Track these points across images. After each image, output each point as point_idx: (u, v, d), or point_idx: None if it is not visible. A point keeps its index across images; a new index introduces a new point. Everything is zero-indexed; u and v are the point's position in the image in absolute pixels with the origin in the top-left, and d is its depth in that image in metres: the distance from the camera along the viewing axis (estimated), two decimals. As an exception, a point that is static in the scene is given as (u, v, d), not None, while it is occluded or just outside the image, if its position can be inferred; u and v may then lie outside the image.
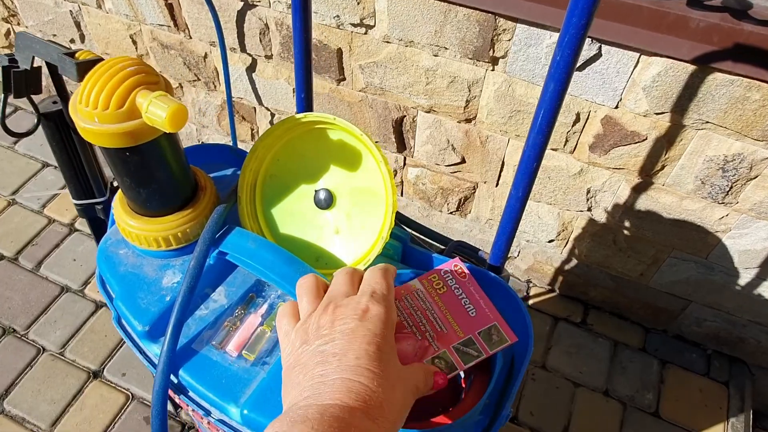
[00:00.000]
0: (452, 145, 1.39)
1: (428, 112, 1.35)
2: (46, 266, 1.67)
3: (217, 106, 1.70)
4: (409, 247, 0.68)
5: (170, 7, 1.48)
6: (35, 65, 0.69)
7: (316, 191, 0.68)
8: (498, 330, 0.56)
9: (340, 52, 1.34)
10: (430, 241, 0.77)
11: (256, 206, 0.69)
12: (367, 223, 0.66)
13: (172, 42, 1.58)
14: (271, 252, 0.62)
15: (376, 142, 1.50)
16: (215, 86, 1.65)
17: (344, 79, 1.40)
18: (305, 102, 0.74)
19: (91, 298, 1.60)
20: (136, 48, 1.67)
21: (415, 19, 1.18)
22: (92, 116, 0.53)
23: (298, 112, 0.73)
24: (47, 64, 0.63)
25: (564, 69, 0.54)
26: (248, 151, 0.68)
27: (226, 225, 0.65)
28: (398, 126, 1.43)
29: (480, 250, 0.74)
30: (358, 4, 1.21)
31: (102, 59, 0.56)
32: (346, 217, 0.67)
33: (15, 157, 1.94)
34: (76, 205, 1.06)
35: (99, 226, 1.12)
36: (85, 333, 1.54)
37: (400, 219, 0.80)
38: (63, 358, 1.49)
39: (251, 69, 1.52)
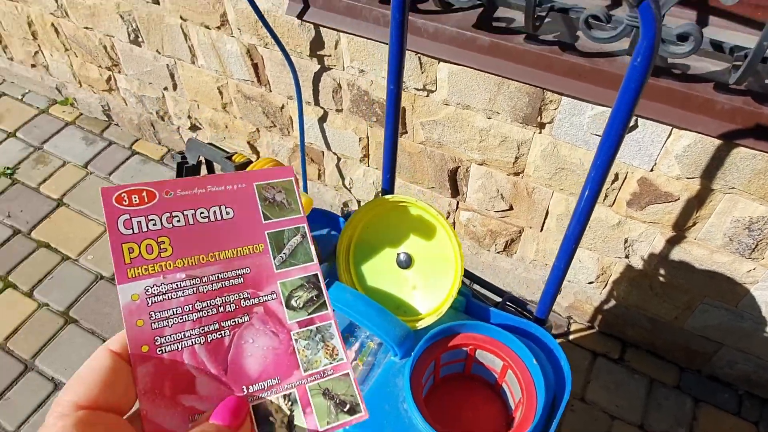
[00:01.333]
0: (501, 194, 1.55)
1: (481, 164, 1.51)
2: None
3: (289, 148, 1.91)
4: (472, 301, 0.85)
5: (255, 66, 1.70)
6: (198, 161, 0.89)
7: (398, 254, 0.85)
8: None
9: (404, 110, 1.53)
10: (486, 292, 0.93)
11: (350, 264, 0.87)
12: (439, 282, 0.83)
13: (254, 94, 1.80)
14: (363, 303, 0.79)
15: (432, 188, 1.68)
16: (289, 132, 1.86)
17: (406, 132, 1.58)
18: (390, 182, 0.92)
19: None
20: (222, 97, 1.90)
21: (472, 88, 1.35)
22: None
23: (383, 188, 0.91)
24: (206, 161, 0.83)
25: (613, 143, 0.69)
26: (335, 212, 0.86)
27: (327, 278, 0.83)
28: (453, 175, 1.60)
29: (528, 304, 0.90)
30: (422, 73, 1.40)
31: (251, 162, 0.75)
32: (422, 276, 0.84)
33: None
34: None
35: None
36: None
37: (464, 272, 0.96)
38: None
39: (322, 119, 1.72)
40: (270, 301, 0.40)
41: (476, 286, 0.96)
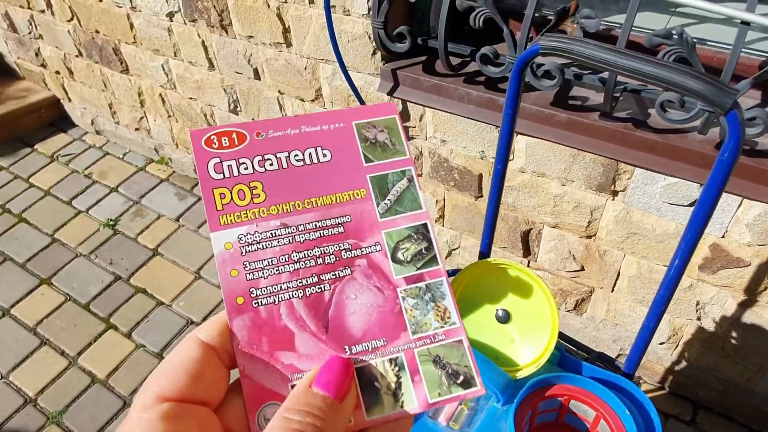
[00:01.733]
0: (573, 255, 1.64)
1: (553, 227, 1.62)
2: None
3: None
4: (565, 355, 0.94)
5: (343, 135, 1.89)
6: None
7: (497, 310, 0.96)
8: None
9: (480, 176, 1.66)
10: (575, 349, 1.02)
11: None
12: (536, 337, 0.93)
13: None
14: (470, 353, 0.90)
15: (504, 247, 1.78)
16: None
17: (482, 196, 1.71)
18: (488, 246, 1.05)
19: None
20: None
21: (548, 158, 1.48)
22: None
23: (482, 251, 1.03)
24: None
25: (701, 221, 0.78)
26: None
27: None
28: (525, 236, 1.71)
29: (615, 360, 0.98)
30: (501, 144, 1.54)
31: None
32: (519, 331, 0.95)
33: (200, 239, 2.42)
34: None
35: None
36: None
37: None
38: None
39: (402, 183, 1.88)
40: (374, 253, 0.36)
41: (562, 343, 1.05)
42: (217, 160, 0.36)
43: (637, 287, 1.57)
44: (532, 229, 1.68)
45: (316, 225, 0.36)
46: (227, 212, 0.36)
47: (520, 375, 0.92)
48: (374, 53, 1.60)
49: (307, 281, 0.35)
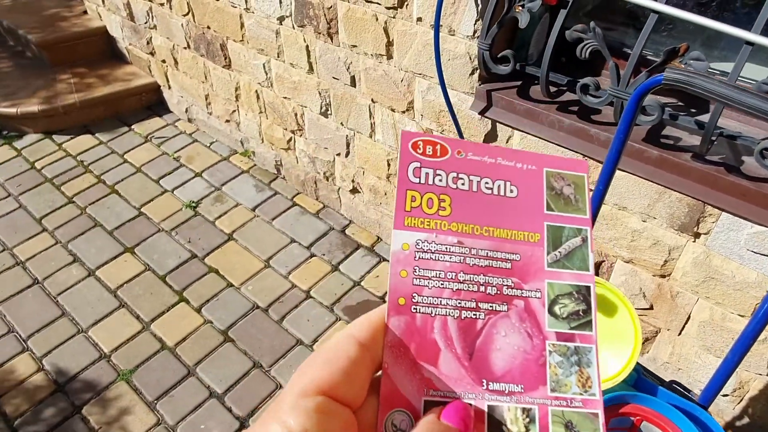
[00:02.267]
0: (644, 292, 1.64)
1: (627, 262, 1.63)
2: (288, 321, 2.15)
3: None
4: (642, 377, 0.97)
5: (427, 148, 1.97)
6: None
7: (578, 324, 1.00)
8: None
9: (559, 203, 1.70)
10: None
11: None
12: (614, 354, 0.96)
13: (420, 170, 2.06)
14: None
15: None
16: (442, 207, 2.09)
17: (557, 223, 1.74)
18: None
19: (318, 353, 2.03)
20: (389, 168, 2.18)
21: (632, 192, 1.50)
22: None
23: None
24: None
25: None
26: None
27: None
28: (596, 267, 1.73)
29: (691, 391, 1.00)
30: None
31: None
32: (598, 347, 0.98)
33: (272, 230, 2.54)
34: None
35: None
36: (310, 380, 1.95)
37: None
38: (293, 396, 1.91)
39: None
40: (533, 299, 0.36)
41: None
42: (417, 165, 0.38)
43: (707, 333, 1.56)
44: (604, 261, 1.69)
45: (487, 254, 0.37)
46: (413, 215, 0.37)
47: (594, 389, 0.95)
48: (472, 73, 1.68)
49: (465, 304, 0.36)
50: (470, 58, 1.65)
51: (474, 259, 0.37)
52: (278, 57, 2.31)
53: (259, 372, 1.99)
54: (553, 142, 1.59)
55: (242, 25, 2.37)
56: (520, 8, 1.41)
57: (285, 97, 2.42)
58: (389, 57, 1.88)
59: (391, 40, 1.84)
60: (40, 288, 2.32)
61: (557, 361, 0.35)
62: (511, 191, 0.39)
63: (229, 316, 2.19)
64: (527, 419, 0.34)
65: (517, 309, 0.36)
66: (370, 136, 2.16)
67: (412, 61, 1.81)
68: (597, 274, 1.74)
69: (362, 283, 2.29)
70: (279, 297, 2.25)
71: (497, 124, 1.70)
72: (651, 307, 1.66)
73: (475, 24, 1.58)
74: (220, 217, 2.62)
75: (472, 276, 0.36)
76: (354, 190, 2.44)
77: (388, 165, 2.17)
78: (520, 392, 0.35)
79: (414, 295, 0.35)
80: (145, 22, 2.97)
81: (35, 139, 3.13)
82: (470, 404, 0.34)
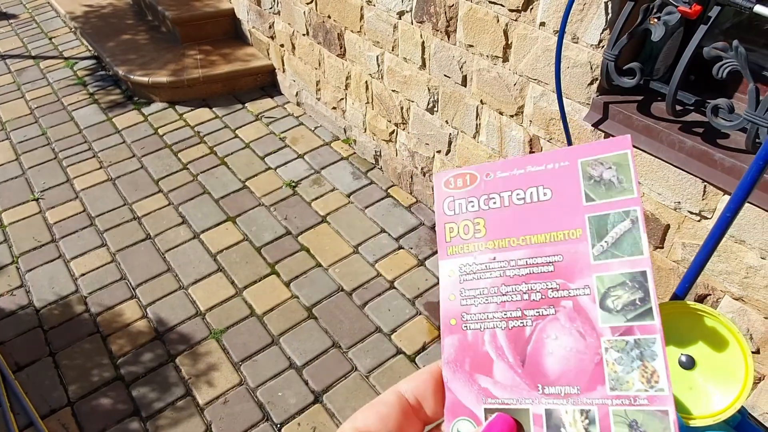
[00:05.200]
0: (750, 333, 1.53)
1: (737, 299, 1.53)
2: (369, 307, 2.21)
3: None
4: (746, 420, 0.91)
5: (531, 154, 1.94)
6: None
7: (681, 354, 0.96)
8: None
9: (667, 227, 1.62)
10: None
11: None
12: (718, 390, 0.91)
13: (520, 177, 2.03)
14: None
15: (672, 306, 1.71)
16: (538, 216, 2.05)
17: (662, 247, 1.66)
18: (687, 290, 1.04)
19: (395, 343, 2.07)
20: (488, 172, 2.17)
21: (754, 225, 1.40)
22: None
23: (677, 293, 1.03)
24: None
25: None
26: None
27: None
28: (699, 301, 1.63)
29: (801, 444, 0.93)
30: (703, 199, 1.49)
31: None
32: (701, 381, 0.93)
33: (364, 218, 2.61)
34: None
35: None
36: (385, 369, 2.00)
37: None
38: (367, 381, 1.96)
39: (578, 214, 1.88)
40: (581, 297, 0.35)
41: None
42: (452, 198, 0.39)
43: (821, 390, 1.43)
44: (710, 294, 1.59)
45: (526, 262, 0.37)
46: (453, 244, 0.39)
47: (693, 424, 0.90)
48: (591, 83, 1.63)
49: (511, 314, 0.37)
50: (591, 68, 1.60)
51: (513, 269, 0.37)
52: (392, 50, 2.36)
53: (337, 351, 2.06)
54: (670, 163, 1.51)
55: (362, 17, 2.44)
56: (656, 20, 1.35)
57: (393, 90, 2.47)
58: (505, 59, 1.87)
59: (509, 42, 1.83)
60: (151, 243, 2.53)
61: (615, 358, 0.34)
62: (545, 194, 0.38)
63: (315, 294, 2.28)
64: (586, 420, 0.33)
65: (565, 310, 0.36)
66: (474, 137, 2.16)
67: (529, 66, 1.79)
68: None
69: (446, 282, 2.29)
70: (364, 283, 2.30)
71: (610, 137, 1.64)
72: (757, 351, 1.54)
73: (601, 33, 1.53)
74: (316, 199, 2.72)
75: (513, 287, 0.37)
76: (449, 189, 2.44)
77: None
78: (576, 394, 0.34)
79: (463, 314, 0.37)
80: (270, 8, 3.13)
81: (160, 108, 3.40)
82: (528, 410, 0.35)
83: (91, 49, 4.00)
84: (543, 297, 0.36)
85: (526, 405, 0.35)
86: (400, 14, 2.22)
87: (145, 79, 3.36)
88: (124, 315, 2.22)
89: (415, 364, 2.00)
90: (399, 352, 2.05)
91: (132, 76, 3.39)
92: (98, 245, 2.52)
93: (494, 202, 0.39)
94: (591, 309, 0.35)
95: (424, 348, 2.06)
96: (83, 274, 2.38)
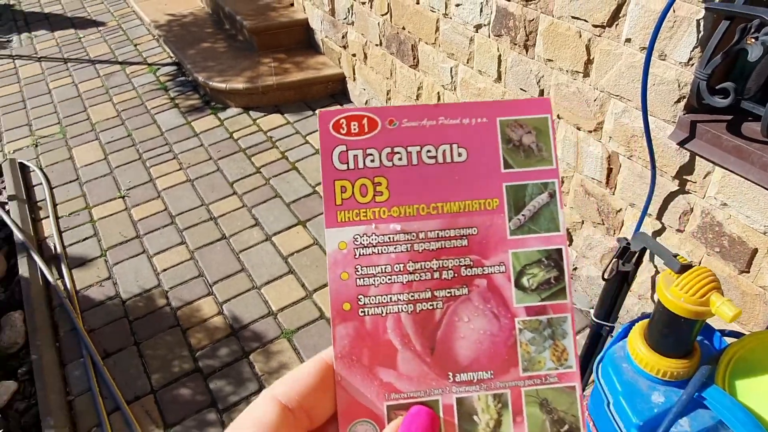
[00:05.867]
0: None
1: (831, 330, 1.46)
2: (436, 316, 2.23)
3: (608, 248, 2.07)
4: None
5: (609, 171, 1.92)
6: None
7: (780, 384, 0.93)
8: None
9: (755, 251, 1.56)
10: None
11: (726, 375, 0.98)
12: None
13: (596, 192, 2.01)
14: (742, 412, 0.90)
15: (751, 332, 1.65)
16: (613, 233, 2.02)
17: (748, 272, 1.61)
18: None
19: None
20: (562, 187, 2.16)
21: None
22: (679, 296, 0.90)
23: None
24: (649, 252, 1.04)
25: None
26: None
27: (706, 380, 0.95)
28: (788, 329, 1.56)
29: None
30: (797, 224, 1.43)
31: (693, 265, 0.93)
32: (803, 413, 0.91)
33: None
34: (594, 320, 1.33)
35: (596, 341, 1.37)
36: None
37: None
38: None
39: (657, 233, 1.84)
40: (496, 274, 0.33)
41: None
42: (344, 148, 0.33)
43: None
44: (800, 323, 1.53)
45: (438, 234, 0.33)
46: (346, 208, 0.33)
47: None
48: (678, 101, 1.60)
49: (419, 295, 0.33)
50: (679, 85, 1.58)
51: (423, 243, 0.33)
52: (467, 63, 2.39)
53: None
54: (761, 185, 1.47)
55: (437, 29, 2.48)
56: (753, 40, 1.32)
57: (466, 102, 2.49)
58: (585, 75, 1.86)
59: (591, 58, 1.82)
60: (226, 243, 2.65)
61: (529, 339, 0.33)
62: (460, 155, 0.33)
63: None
64: (499, 405, 0.32)
65: (479, 290, 0.33)
66: (548, 151, 2.15)
67: (611, 82, 1.78)
68: (788, 335, 1.57)
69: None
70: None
71: (696, 157, 1.61)
72: None
73: (692, 51, 1.51)
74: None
75: (423, 263, 0.33)
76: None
77: (562, 182, 2.15)
78: (489, 378, 0.32)
79: (360, 297, 0.32)
80: (345, 18, 3.23)
81: (235, 113, 3.56)
82: (437, 401, 0.32)
83: (172, 56, 4.22)
84: (456, 275, 0.33)
85: (435, 396, 0.32)
86: (477, 27, 2.24)
87: (223, 85, 3.52)
88: (202, 310, 2.33)
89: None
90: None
91: (210, 83, 3.56)
92: (178, 243, 2.66)
93: (400, 158, 0.33)
94: (506, 288, 0.33)
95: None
96: (165, 270, 2.53)
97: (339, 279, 0.32)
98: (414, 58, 2.74)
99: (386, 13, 2.81)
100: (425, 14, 2.52)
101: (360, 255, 0.33)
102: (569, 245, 2.24)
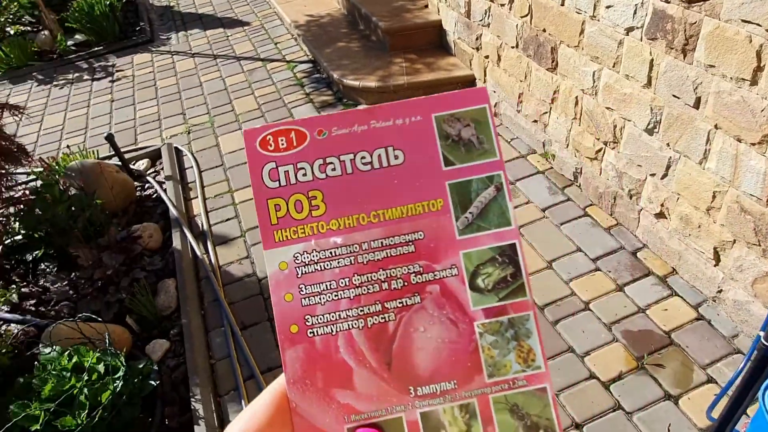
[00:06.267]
0: None
1: None
2: (562, 325, 2.18)
3: (763, 270, 1.90)
4: None
5: (774, 188, 1.76)
6: None
7: None
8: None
9: None
10: None
11: None
12: None
13: (754, 211, 1.85)
14: None
15: None
16: (771, 256, 1.85)
17: None
18: None
19: (588, 367, 2.02)
20: (712, 201, 2.01)
21: None
22: None
23: None
24: None
25: None
26: None
27: None
28: None
29: None
30: None
31: None
32: None
33: (560, 235, 2.57)
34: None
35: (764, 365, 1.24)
36: (576, 391, 1.96)
37: None
38: (557, 398, 1.95)
39: (828, 260, 1.66)
40: (448, 278, 0.31)
41: None
42: (273, 165, 0.32)
43: None
44: None
45: (382, 243, 0.31)
46: (282, 227, 0.32)
47: None
48: None
49: (369, 309, 0.31)
50: None
51: (367, 254, 0.31)
52: (613, 67, 2.30)
53: (526, 364, 2.07)
54: None
55: (582, 32, 2.42)
56: None
57: (608, 108, 2.40)
58: (753, 83, 1.72)
59: (761, 65, 1.68)
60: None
61: (491, 342, 0.31)
62: (396, 157, 0.32)
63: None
64: (467, 415, 0.30)
65: (432, 296, 0.31)
66: (700, 163, 2.02)
67: (786, 91, 1.63)
68: None
69: (647, 312, 2.18)
70: (556, 300, 2.28)
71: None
72: None
73: None
74: (510, 209, 2.75)
75: (369, 275, 0.31)
76: (660, 215, 2.31)
77: (713, 197, 2.00)
78: (453, 389, 0.31)
79: (306, 317, 0.31)
80: (480, 20, 3.23)
81: (366, 110, 3.69)
82: (400, 418, 0.30)
83: (309, 54, 4.47)
84: (405, 284, 0.31)
85: (398, 413, 0.31)
86: (628, 30, 2.15)
87: (356, 83, 3.67)
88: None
89: (609, 391, 1.94)
90: (592, 376, 1.99)
91: (344, 80, 3.73)
92: (309, 230, 2.82)
93: (333, 169, 0.32)
94: (460, 291, 0.31)
95: (620, 377, 1.98)
96: (297, 254, 2.69)
97: (283, 301, 0.31)
98: (553, 61, 2.69)
99: (526, 15, 2.78)
100: (570, 16, 2.46)
101: (302, 274, 0.31)
102: (715, 265, 2.08)
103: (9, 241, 2.72)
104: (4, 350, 2.05)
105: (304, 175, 0.32)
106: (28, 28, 5.85)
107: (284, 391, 0.31)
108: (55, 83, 5.01)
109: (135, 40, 5.43)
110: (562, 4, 2.48)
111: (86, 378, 1.84)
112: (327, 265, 0.31)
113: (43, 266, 2.74)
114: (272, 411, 0.30)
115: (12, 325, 2.40)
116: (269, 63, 4.53)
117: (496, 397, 0.31)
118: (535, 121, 3.00)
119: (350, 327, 0.31)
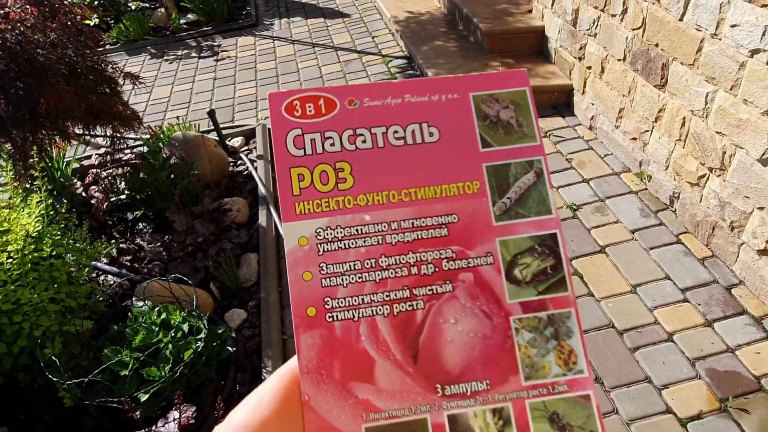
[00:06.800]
0: None
1: None
2: (641, 353, 2.09)
3: None
4: None
5: None
6: None
7: None
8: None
9: None
10: None
11: None
12: None
13: None
14: None
15: None
16: None
17: None
18: None
19: (665, 400, 1.93)
20: (829, 244, 1.85)
21: None
22: None
23: None
24: None
25: None
26: None
27: None
28: None
29: None
30: None
31: None
32: None
33: (647, 259, 2.46)
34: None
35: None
36: (649, 423, 1.87)
37: None
38: (628, 428, 1.87)
39: None
40: (483, 267, 0.29)
41: None
42: (299, 132, 0.29)
43: None
44: None
45: (413, 224, 0.28)
46: (305, 198, 0.29)
47: None
48: None
49: (396, 295, 0.28)
50: None
51: (396, 235, 0.28)
52: (730, 90, 2.16)
53: (598, 387, 2.00)
54: None
55: (699, 50, 2.29)
56: None
57: (718, 132, 2.27)
58: None
59: None
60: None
61: (528, 340, 0.28)
62: (431, 134, 0.29)
63: (582, 322, 2.23)
64: (500, 421, 0.27)
65: (465, 285, 0.28)
66: (819, 202, 1.87)
67: None
68: None
69: (737, 352, 2.04)
70: (638, 326, 2.19)
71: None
72: None
73: None
74: (597, 227, 2.66)
75: (397, 257, 0.28)
76: (764, 252, 2.15)
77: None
78: (486, 390, 0.27)
79: (326, 300, 0.28)
80: (587, 29, 3.13)
81: (456, 111, 3.68)
82: (425, 420, 0.26)
83: (405, 50, 4.51)
84: (436, 269, 0.28)
85: (422, 414, 0.27)
86: (753, 52, 2.02)
87: (450, 83, 3.66)
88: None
89: (686, 429, 1.84)
90: (669, 410, 1.90)
91: (438, 79, 3.73)
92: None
93: (363, 141, 0.29)
94: (496, 282, 0.28)
95: (699, 416, 1.87)
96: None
97: (301, 280, 0.28)
98: (662, 78, 2.56)
99: (639, 28, 2.66)
100: (688, 32, 2.33)
101: (324, 251, 0.29)
102: (824, 314, 1.92)
103: (114, 198, 2.94)
104: (101, 298, 2.22)
105: (332, 145, 0.30)
106: (147, 5, 6.28)
107: (295, 378, 0.28)
108: (165, 58, 5.34)
109: (240, 23, 5.68)
110: (681, 20, 2.36)
111: (172, 334, 1.97)
112: (352, 243, 0.29)
113: (140, 226, 2.94)
114: (280, 400, 0.27)
115: (109, 276, 2.60)
116: (365, 56, 4.61)
117: (534, 403, 0.28)
118: (634, 138, 2.88)
119: (374, 313, 0.28)
